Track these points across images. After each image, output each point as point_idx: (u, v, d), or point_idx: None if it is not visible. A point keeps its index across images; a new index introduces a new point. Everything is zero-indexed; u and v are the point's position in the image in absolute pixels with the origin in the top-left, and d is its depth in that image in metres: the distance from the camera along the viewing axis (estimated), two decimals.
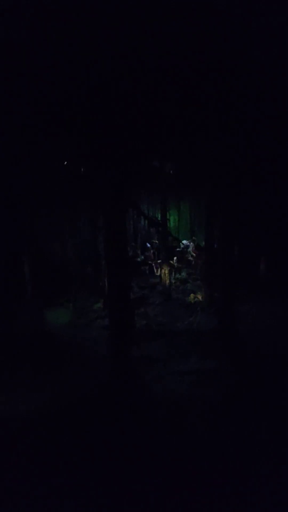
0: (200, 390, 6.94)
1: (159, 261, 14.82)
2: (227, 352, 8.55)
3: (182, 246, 17.20)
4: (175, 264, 16.11)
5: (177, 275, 15.53)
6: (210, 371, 7.67)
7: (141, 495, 4.34)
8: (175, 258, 16.37)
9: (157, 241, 16.32)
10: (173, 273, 14.88)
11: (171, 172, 13.80)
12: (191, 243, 16.94)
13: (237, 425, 5.73)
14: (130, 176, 10.64)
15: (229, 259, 9.08)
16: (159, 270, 14.73)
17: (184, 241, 17.55)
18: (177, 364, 8.09)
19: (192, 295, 12.82)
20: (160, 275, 14.03)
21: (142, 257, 16.36)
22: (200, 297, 12.46)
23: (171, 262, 15.70)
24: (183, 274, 15.62)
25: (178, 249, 17.03)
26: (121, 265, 6.28)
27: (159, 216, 15.56)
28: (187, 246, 16.98)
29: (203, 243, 13.97)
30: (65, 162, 9.94)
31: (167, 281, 12.76)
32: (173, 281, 14.70)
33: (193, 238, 17.31)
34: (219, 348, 8.76)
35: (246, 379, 7.35)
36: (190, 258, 16.61)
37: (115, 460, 4.95)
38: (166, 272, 12.65)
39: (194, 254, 16.54)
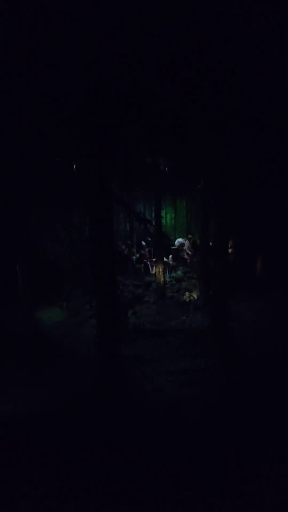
0: (189, 389, 6.99)
1: (154, 259, 14.82)
2: (219, 351, 8.59)
3: (177, 244, 17.19)
4: (171, 262, 16.11)
5: (173, 274, 15.55)
6: (201, 370, 7.75)
7: (133, 496, 4.37)
8: (170, 256, 16.38)
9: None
10: (167, 271, 14.89)
11: (166, 169, 13.77)
12: (187, 241, 16.93)
13: (231, 425, 5.77)
14: (114, 171, 10.64)
15: (223, 257, 9.10)
16: (154, 268, 14.73)
17: (180, 239, 17.53)
18: (169, 363, 8.15)
19: (187, 294, 12.84)
20: (155, 273, 14.04)
21: (138, 255, 16.32)
22: (195, 296, 12.50)
23: (167, 260, 15.72)
24: (179, 272, 15.63)
25: (173, 247, 17.03)
26: (107, 263, 6.20)
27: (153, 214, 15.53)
28: (182, 244, 16.96)
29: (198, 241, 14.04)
30: (57, 159, 9.87)
31: (161, 280, 12.75)
32: (169, 280, 14.72)
33: (189, 236, 17.30)
34: (212, 347, 8.80)
35: (237, 378, 7.40)
36: (186, 256, 16.61)
37: (105, 460, 4.97)
38: (161, 270, 12.64)
39: (189, 252, 16.54)
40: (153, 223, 14.76)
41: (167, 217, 22.28)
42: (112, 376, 6.32)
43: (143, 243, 16.65)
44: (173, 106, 7.60)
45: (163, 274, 12.88)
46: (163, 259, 13.20)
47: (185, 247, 16.75)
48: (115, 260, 6.50)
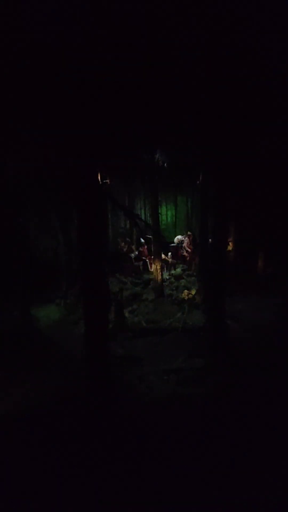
0: (184, 388, 6.84)
1: (153, 256, 14.66)
2: (216, 349, 8.40)
3: (176, 241, 17.01)
4: (170, 260, 15.94)
5: (172, 271, 15.38)
6: (197, 369, 7.56)
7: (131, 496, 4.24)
8: (169, 253, 16.21)
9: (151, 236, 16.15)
10: (165, 268, 14.71)
11: (165, 165, 13.57)
12: (186, 238, 16.71)
13: (228, 424, 5.60)
14: (102, 164, 10.47)
15: (221, 253, 8.89)
16: (153, 266, 14.55)
17: (179, 236, 17.33)
18: (165, 362, 7.96)
19: (185, 291, 12.64)
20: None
21: (136, 252, 16.17)
22: (194, 293, 12.29)
23: (166, 257, 15.55)
24: (178, 270, 15.46)
25: (172, 244, 16.85)
26: (95, 259, 5.99)
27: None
28: (181, 241, 16.77)
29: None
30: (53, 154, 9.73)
31: (159, 277, 12.54)
32: (168, 277, 14.55)
33: (188, 232, 17.08)
34: (209, 345, 8.60)
35: (234, 377, 7.23)
36: (185, 253, 16.42)
37: (98, 460, 4.82)
38: (158, 268, 12.43)
39: (188, 250, 16.34)
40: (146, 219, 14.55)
41: (168, 214, 22.21)
42: (100, 376, 6.13)
43: (142, 240, 16.48)
44: (171, 100, 7.46)
45: (161, 271, 12.66)
46: (160, 256, 12.97)
47: (184, 244, 16.54)
48: (104, 257, 6.29)
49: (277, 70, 6.97)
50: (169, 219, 22.08)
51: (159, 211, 19.83)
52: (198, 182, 12.53)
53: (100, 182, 11.39)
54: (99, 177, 11.16)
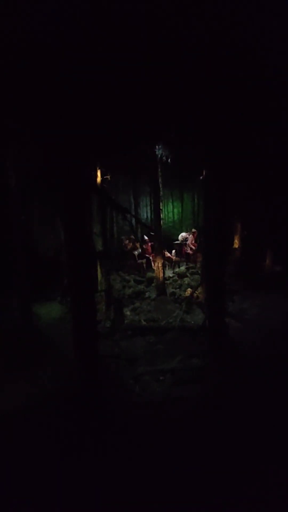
0: (181, 389, 6.79)
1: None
2: (215, 349, 8.35)
3: (180, 238, 16.95)
4: (174, 258, 15.90)
5: (176, 269, 15.34)
6: (195, 369, 7.52)
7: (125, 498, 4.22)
8: (173, 251, 16.17)
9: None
10: (166, 266, 14.67)
11: (168, 161, 13.50)
12: (190, 235, 16.64)
13: (224, 425, 5.54)
14: (91, 159, 10.38)
15: (220, 251, 8.82)
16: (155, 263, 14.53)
17: (183, 233, 17.27)
18: (162, 361, 7.95)
19: (188, 290, 12.61)
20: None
21: (140, 250, 16.15)
22: (197, 292, 12.26)
23: (170, 255, 15.51)
24: (182, 268, 15.42)
25: (176, 242, 16.80)
26: (82, 256, 5.91)
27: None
28: (185, 239, 16.70)
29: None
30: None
31: (160, 275, 12.51)
32: (172, 275, 14.52)
33: (193, 230, 17.01)
34: (208, 345, 8.55)
35: (232, 377, 7.14)
36: (189, 251, 16.36)
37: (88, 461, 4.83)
38: (160, 265, 12.41)
39: (193, 247, 16.28)
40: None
41: (175, 211, 22.12)
42: (90, 377, 6.09)
43: (146, 237, 16.44)
44: (171, 100, 7.40)
45: (163, 269, 12.63)
46: (163, 254, 12.94)
47: (189, 242, 16.47)
48: (92, 253, 6.18)
49: (277, 69, 6.90)
50: (175, 216, 21.98)
51: (165, 207, 19.86)
52: (201, 177, 12.42)
53: (100, 178, 11.45)
54: (99, 173, 11.28)
